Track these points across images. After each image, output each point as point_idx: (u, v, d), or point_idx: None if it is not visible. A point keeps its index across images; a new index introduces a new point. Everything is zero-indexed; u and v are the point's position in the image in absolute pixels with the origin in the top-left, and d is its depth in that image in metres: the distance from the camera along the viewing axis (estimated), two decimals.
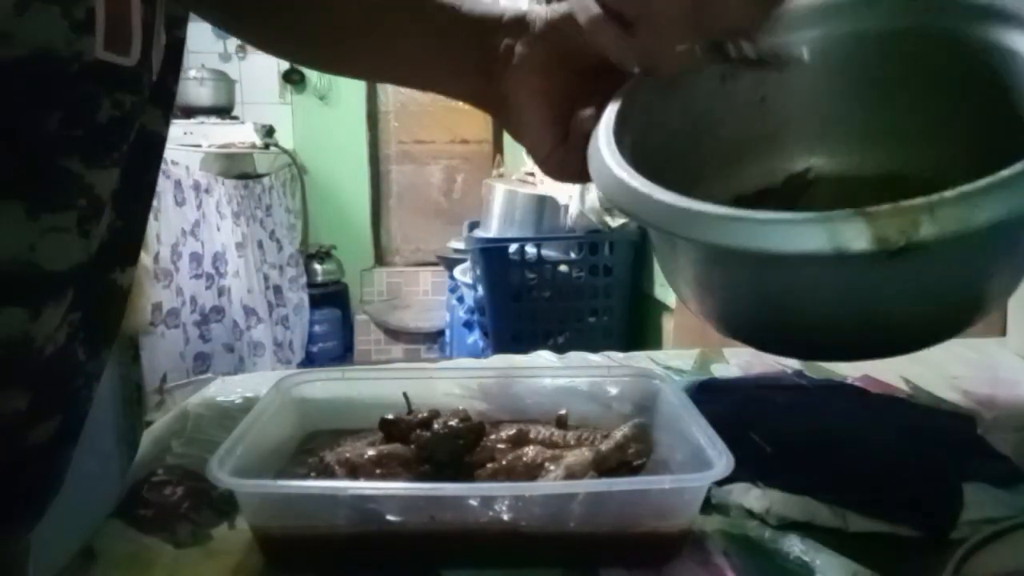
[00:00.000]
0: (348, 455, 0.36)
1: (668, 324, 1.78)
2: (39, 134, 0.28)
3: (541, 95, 0.45)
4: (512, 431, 0.40)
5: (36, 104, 0.27)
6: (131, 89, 0.31)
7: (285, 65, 4.10)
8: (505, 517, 0.33)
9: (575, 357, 0.65)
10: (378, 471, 0.35)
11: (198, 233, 2.36)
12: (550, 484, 0.35)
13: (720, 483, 0.39)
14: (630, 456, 0.37)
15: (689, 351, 0.66)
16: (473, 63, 0.46)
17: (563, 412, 0.42)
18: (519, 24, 0.45)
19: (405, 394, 0.42)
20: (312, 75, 4.18)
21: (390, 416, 0.40)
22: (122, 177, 0.32)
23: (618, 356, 0.65)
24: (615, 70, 0.43)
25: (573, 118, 0.45)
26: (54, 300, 0.30)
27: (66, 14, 0.27)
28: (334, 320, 3.37)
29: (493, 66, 0.45)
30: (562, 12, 0.44)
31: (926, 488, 0.39)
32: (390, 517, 0.33)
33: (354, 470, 0.35)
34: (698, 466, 0.35)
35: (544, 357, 0.64)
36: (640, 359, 0.64)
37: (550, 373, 0.49)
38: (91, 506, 0.39)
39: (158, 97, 0.36)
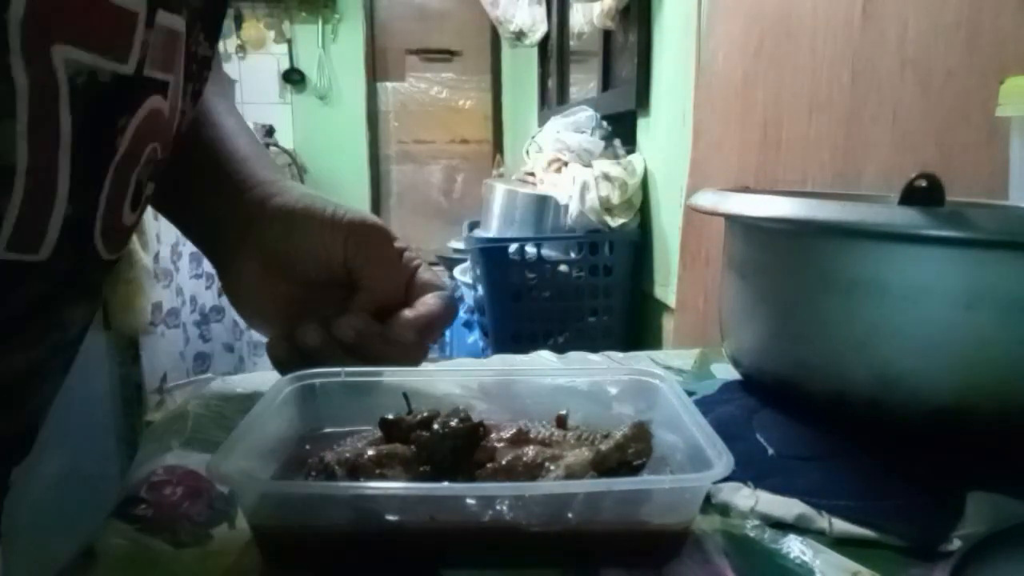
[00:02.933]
0: (348, 455, 0.36)
1: (668, 324, 1.78)
2: None
3: (263, 292, 0.46)
4: (512, 431, 0.40)
5: None
6: (43, 278, 0.31)
7: (285, 65, 4.10)
8: (505, 517, 0.33)
9: (575, 357, 0.65)
10: (378, 471, 0.35)
11: None
12: (550, 484, 0.35)
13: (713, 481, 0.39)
14: (630, 456, 0.37)
15: (689, 351, 0.66)
16: (231, 239, 0.46)
17: (563, 412, 0.42)
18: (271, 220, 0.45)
19: (405, 394, 0.42)
20: (312, 75, 4.19)
21: (390, 416, 0.40)
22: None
23: (618, 356, 0.65)
24: (333, 286, 0.45)
25: (298, 331, 0.45)
26: None
27: None
28: None
29: (234, 251, 0.46)
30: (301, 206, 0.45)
31: (918, 498, 0.38)
32: (390, 517, 0.33)
33: (354, 470, 0.35)
34: (698, 466, 0.35)
35: (544, 357, 0.64)
36: (640, 359, 0.64)
37: (550, 373, 0.49)
38: (91, 506, 0.39)
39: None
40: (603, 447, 0.37)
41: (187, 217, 0.50)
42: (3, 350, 0.31)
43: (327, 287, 0.47)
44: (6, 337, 0.31)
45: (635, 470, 0.37)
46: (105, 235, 0.34)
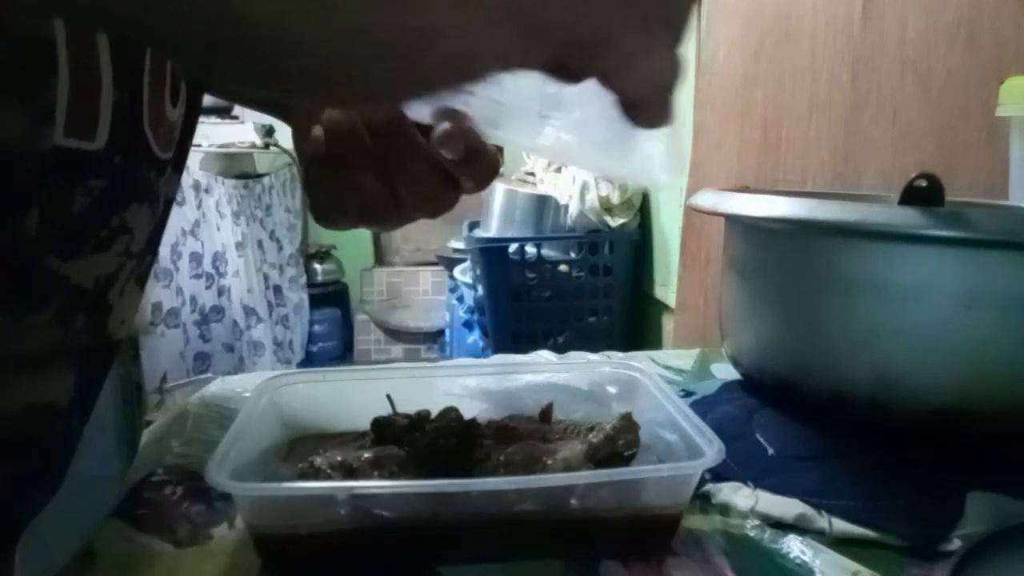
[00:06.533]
0: (339, 458, 0.36)
1: (668, 324, 1.78)
2: (17, 237, 0.28)
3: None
4: (500, 421, 0.40)
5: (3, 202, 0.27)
6: (100, 174, 0.31)
7: None
8: (510, 509, 0.33)
9: (575, 356, 0.65)
10: (376, 473, 0.35)
11: (198, 233, 2.36)
12: (555, 476, 0.35)
13: (713, 481, 0.39)
14: (620, 448, 0.37)
15: (689, 351, 0.66)
16: None
17: (547, 404, 0.43)
18: None
19: (389, 396, 0.42)
20: None
21: (382, 417, 0.40)
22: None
23: (618, 356, 0.65)
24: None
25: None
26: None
27: (26, 109, 0.27)
28: (334, 320, 3.36)
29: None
30: None
31: (918, 498, 0.38)
32: (389, 515, 0.33)
33: (351, 472, 0.35)
34: (691, 454, 0.35)
35: (544, 357, 0.64)
36: (640, 359, 0.64)
37: (542, 369, 0.49)
38: (91, 506, 0.39)
39: (177, 163, 0.38)
40: (593, 439, 0.37)
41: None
42: (79, 253, 0.31)
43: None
44: (80, 240, 0.31)
45: (625, 460, 0.37)
46: (153, 126, 0.34)
